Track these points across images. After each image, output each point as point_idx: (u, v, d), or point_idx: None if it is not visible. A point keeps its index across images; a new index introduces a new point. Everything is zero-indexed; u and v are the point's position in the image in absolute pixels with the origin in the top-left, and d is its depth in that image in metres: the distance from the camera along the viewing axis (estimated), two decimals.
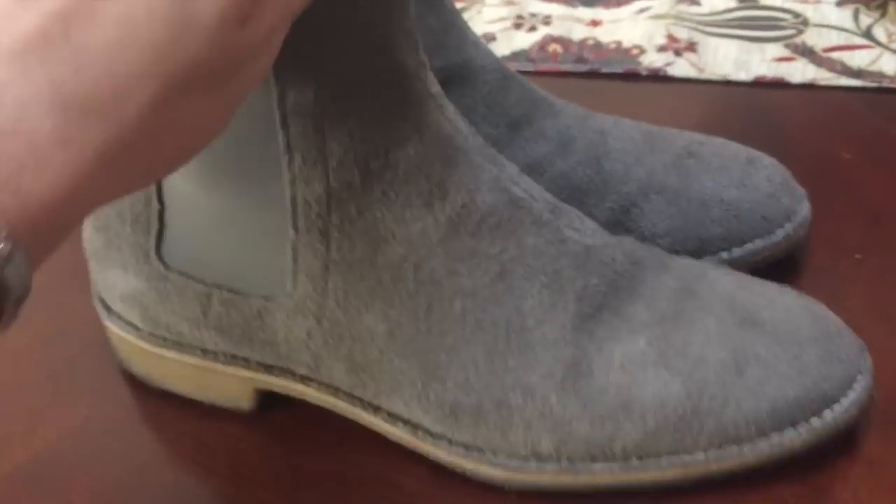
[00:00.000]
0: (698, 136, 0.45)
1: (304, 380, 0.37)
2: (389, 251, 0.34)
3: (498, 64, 0.42)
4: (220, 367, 0.38)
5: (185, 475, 0.39)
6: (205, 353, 0.39)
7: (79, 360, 0.43)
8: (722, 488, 0.35)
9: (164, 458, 0.40)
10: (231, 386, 0.39)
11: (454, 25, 0.41)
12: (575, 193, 0.42)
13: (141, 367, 0.41)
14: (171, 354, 0.39)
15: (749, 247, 0.42)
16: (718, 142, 0.45)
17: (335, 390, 0.37)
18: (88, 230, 0.39)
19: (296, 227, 0.34)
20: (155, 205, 0.37)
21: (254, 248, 0.35)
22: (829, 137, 0.51)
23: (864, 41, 0.58)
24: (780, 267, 0.43)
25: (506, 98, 0.42)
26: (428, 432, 0.36)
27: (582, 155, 0.42)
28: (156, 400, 0.41)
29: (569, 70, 0.59)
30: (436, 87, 0.34)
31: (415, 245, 0.33)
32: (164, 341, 0.39)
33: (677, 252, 0.42)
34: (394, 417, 0.36)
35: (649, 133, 0.44)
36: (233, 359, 0.38)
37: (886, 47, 0.57)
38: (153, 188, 0.36)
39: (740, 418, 0.34)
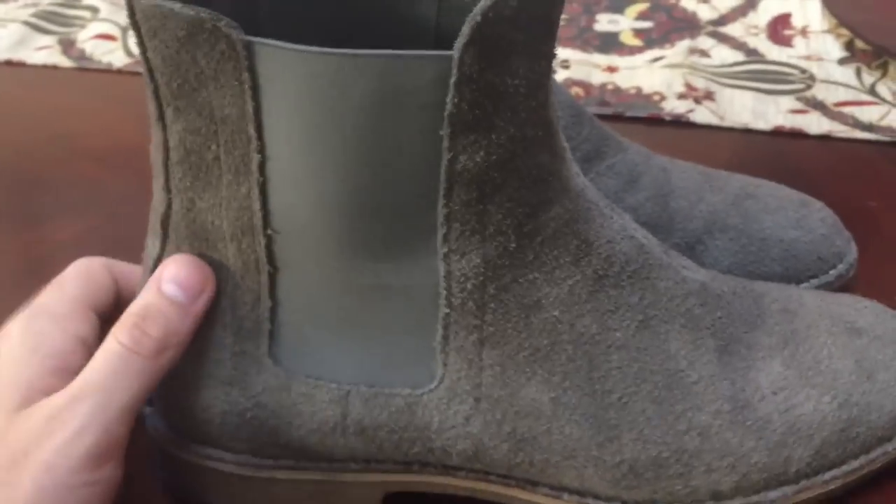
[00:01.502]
0: (751, 179, 0.47)
1: (451, 470, 0.35)
2: (543, 316, 0.32)
3: (571, 100, 0.43)
4: (349, 477, 0.35)
5: None
6: (332, 462, 0.35)
7: None
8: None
9: None
10: (358, 494, 0.35)
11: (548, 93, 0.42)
12: (644, 228, 0.43)
13: (227, 498, 0.36)
14: (284, 475, 0.35)
15: (805, 286, 0.43)
16: (771, 184, 0.46)
17: (486, 475, 0.35)
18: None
19: (450, 304, 0.32)
20: (266, 303, 0.33)
21: (395, 335, 0.33)
22: (852, 186, 0.54)
23: (870, 98, 0.61)
24: None
25: (578, 133, 0.43)
26: (600, 496, 0.34)
27: (649, 191, 0.43)
28: None
29: (593, 112, 0.60)
30: (565, 142, 0.33)
31: (566, 305, 0.33)
32: (275, 461, 0.35)
33: None
34: (559, 489, 0.35)
35: (706, 173, 0.46)
36: (366, 464, 0.35)
37: (893, 104, 0.60)
38: (264, 283, 0.33)
39: (885, 420, 0.35)
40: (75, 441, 0.30)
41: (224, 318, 0.33)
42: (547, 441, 0.33)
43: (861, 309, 0.38)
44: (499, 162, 0.30)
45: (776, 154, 0.57)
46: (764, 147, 0.58)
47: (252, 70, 0.29)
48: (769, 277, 0.43)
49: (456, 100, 0.28)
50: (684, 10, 0.72)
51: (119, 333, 0.32)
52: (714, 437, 0.34)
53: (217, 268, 0.33)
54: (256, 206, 0.31)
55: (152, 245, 0.34)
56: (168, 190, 0.33)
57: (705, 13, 0.71)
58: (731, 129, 0.59)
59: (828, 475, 0.35)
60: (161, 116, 0.31)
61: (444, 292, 0.32)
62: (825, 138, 0.58)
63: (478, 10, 0.27)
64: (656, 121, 0.60)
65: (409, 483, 0.35)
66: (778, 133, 0.59)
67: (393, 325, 0.33)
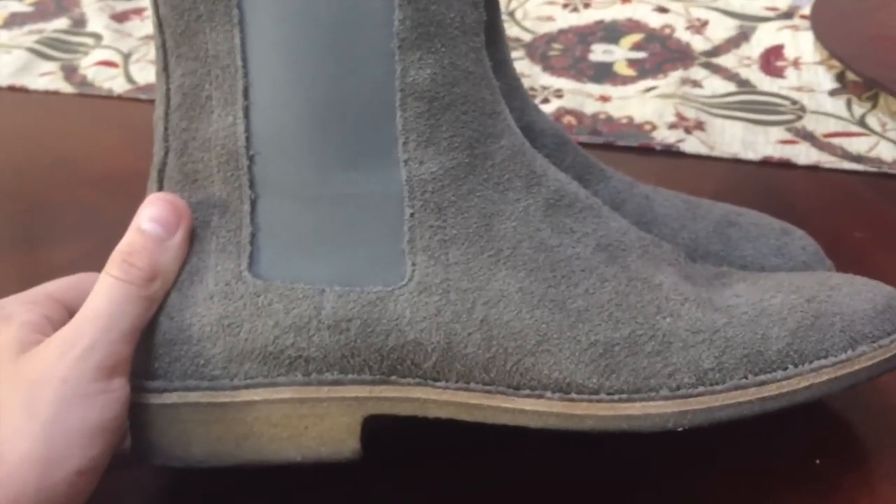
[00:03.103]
0: (733, 207, 0.47)
1: (428, 379, 0.36)
2: (503, 225, 0.36)
3: (555, 128, 0.44)
4: (324, 391, 0.36)
5: None
6: (307, 374, 0.36)
7: None
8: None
9: None
10: (336, 420, 0.36)
11: (518, 90, 0.43)
12: None
13: (209, 438, 0.36)
14: (260, 395, 0.36)
15: None
16: (753, 213, 0.47)
17: (466, 382, 0.36)
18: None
19: (413, 206, 0.35)
20: (247, 229, 0.36)
21: (365, 241, 0.36)
22: (838, 216, 0.54)
23: (860, 129, 0.62)
24: None
25: (562, 161, 0.44)
26: (583, 389, 0.35)
27: (632, 219, 0.44)
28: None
29: (585, 141, 0.61)
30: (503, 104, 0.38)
31: (522, 220, 0.36)
32: (251, 380, 0.36)
33: None
34: (541, 387, 0.35)
35: (688, 201, 0.47)
36: (342, 374, 0.36)
37: (882, 136, 0.61)
38: (245, 211, 0.36)
39: (861, 317, 0.36)
40: (86, 356, 0.34)
41: (208, 246, 0.37)
42: (518, 326, 0.35)
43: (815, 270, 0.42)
44: (444, 83, 0.35)
45: (764, 184, 0.58)
46: (752, 177, 0.58)
47: (240, 5, 0.35)
48: None
49: (401, 17, 0.34)
50: (678, 41, 0.73)
51: (110, 269, 0.36)
52: (685, 316, 0.35)
53: (203, 203, 0.37)
54: (240, 129, 0.36)
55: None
56: (165, 139, 0.37)
57: (699, 44, 0.72)
58: (720, 159, 0.60)
59: (815, 364, 0.35)
60: (165, 67, 0.37)
61: (407, 196, 0.35)
62: (813, 169, 0.59)
63: None
64: (647, 150, 0.61)
65: (387, 400, 0.36)
66: (766, 163, 0.59)
67: (364, 232, 0.36)
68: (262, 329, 0.36)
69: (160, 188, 0.38)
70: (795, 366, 0.35)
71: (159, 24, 0.36)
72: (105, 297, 0.35)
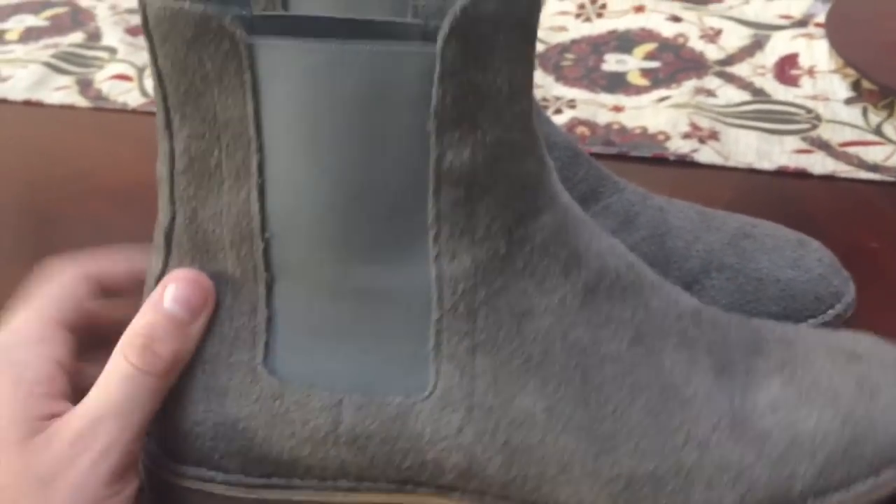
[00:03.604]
0: (748, 218, 0.47)
1: (445, 489, 0.34)
2: (535, 325, 0.32)
3: (568, 141, 0.44)
4: (339, 496, 0.35)
5: None
6: (323, 480, 0.35)
7: None
8: None
9: None
10: None
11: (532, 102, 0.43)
12: None
13: None
14: (275, 495, 0.35)
15: (803, 326, 0.44)
16: (769, 224, 0.47)
17: (481, 494, 0.34)
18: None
19: (441, 308, 0.32)
20: (263, 313, 0.34)
21: (387, 341, 0.33)
22: (854, 226, 0.54)
23: (876, 138, 0.61)
24: None
25: (576, 173, 0.43)
26: None
27: (645, 231, 0.44)
28: None
29: (598, 152, 0.61)
30: (549, 158, 0.34)
31: (558, 315, 0.33)
32: (267, 479, 0.35)
33: None
34: None
35: (703, 213, 0.46)
36: (358, 481, 0.35)
37: None
38: (261, 293, 0.33)
39: (893, 439, 0.34)
40: (101, 461, 0.32)
41: (221, 330, 0.34)
42: (541, 452, 0.33)
43: (859, 339, 0.38)
44: (485, 163, 0.31)
45: (779, 194, 0.57)
46: (767, 187, 0.58)
47: (253, 69, 0.30)
48: (766, 317, 0.43)
49: (440, 94, 0.30)
50: (692, 50, 0.72)
51: (130, 355, 0.33)
52: (713, 450, 0.33)
53: (216, 279, 0.34)
54: (255, 208, 0.32)
55: (154, 262, 0.35)
56: (172, 202, 0.34)
57: (713, 53, 0.72)
58: (734, 169, 0.59)
59: (835, 497, 0.34)
60: (168, 124, 0.33)
61: (436, 295, 0.32)
62: (829, 178, 0.58)
63: (457, 5, 0.29)
64: (660, 160, 0.60)
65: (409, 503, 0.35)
66: (781, 173, 0.59)
67: (386, 331, 0.33)
68: (278, 438, 0.34)
69: (167, 254, 0.35)
70: (815, 498, 0.34)
71: (158, 76, 0.32)
72: (123, 388, 0.33)
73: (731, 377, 0.35)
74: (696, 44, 0.73)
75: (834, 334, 0.39)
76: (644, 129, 0.63)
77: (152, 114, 0.68)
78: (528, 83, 0.32)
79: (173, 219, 0.34)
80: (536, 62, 0.72)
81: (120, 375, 0.33)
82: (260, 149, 0.32)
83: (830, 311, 0.44)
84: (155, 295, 0.34)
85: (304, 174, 0.31)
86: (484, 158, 0.31)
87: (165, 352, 0.33)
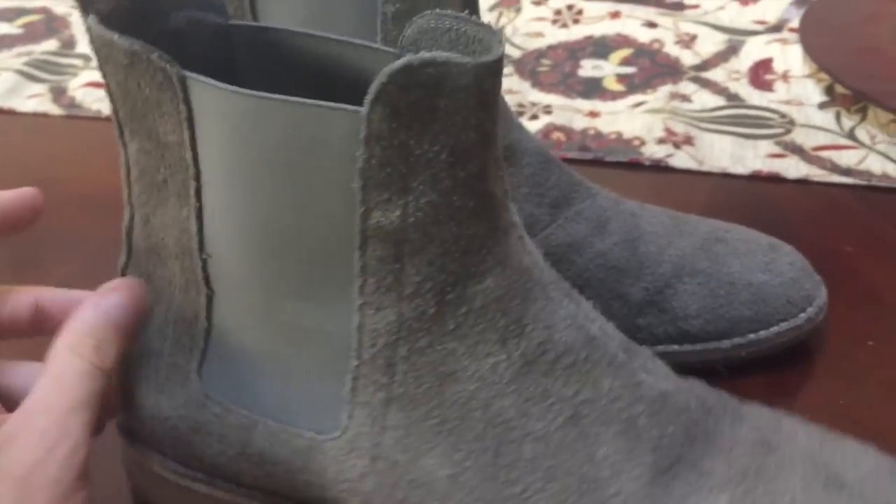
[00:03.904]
0: (720, 223, 0.47)
1: None
2: (458, 388, 0.31)
3: (539, 147, 0.44)
4: None
5: None
6: (239, 486, 0.36)
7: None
8: None
9: None
10: None
11: (501, 108, 0.43)
12: (612, 273, 0.43)
13: (163, 500, 0.38)
14: (200, 488, 0.36)
15: (775, 329, 0.44)
16: (741, 228, 0.47)
17: None
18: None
19: (360, 357, 0.32)
20: (202, 323, 0.34)
21: (309, 376, 0.33)
22: (828, 230, 0.54)
23: (849, 142, 0.62)
24: (800, 353, 0.45)
25: (547, 179, 0.43)
26: None
27: (618, 236, 0.44)
28: None
29: (574, 157, 0.61)
30: (516, 217, 0.32)
31: (485, 382, 0.31)
32: (193, 472, 0.36)
33: (708, 333, 0.44)
34: None
35: (675, 217, 0.46)
36: (270, 497, 0.35)
37: (871, 148, 0.61)
38: (202, 304, 0.34)
39: None
40: (73, 454, 0.32)
41: (167, 330, 0.35)
42: None
43: (861, 460, 0.33)
44: (418, 225, 0.30)
45: (753, 198, 0.57)
46: (741, 191, 0.58)
47: (187, 102, 0.30)
48: (738, 321, 0.43)
49: (366, 156, 0.28)
50: (667, 56, 0.73)
51: (87, 354, 0.34)
52: None
53: (166, 283, 0.35)
54: (193, 229, 0.33)
55: (123, 255, 0.37)
56: (130, 204, 0.35)
57: (688, 59, 0.72)
58: (709, 174, 0.60)
59: None
60: (121, 135, 0.33)
61: (356, 344, 0.31)
62: (802, 182, 0.58)
63: (386, 70, 0.27)
64: (636, 165, 0.60)
65: None
66: (756, 177, 0.59)
67: (308, 366, 0.33)
68: (200, 443, 0.35)
69: (129, 249, 0.36)
70: None
71: (109, 93, 0.32)
72: (84, 385, 0.33)
73: (673, 478, 0.31)
74: (672, 49, 0.73)
75: (837, 445, 0.34)
76: (619, 135, 0.63)
77: None
78: (482, 147, 0.30)
79: (132, 219, 0.35)
80: (513, 68, 0.72)
81: (77, 372, 0.33)
82: (197, 176, 0.31)
83: (802, 315, 0.44)
84: (99, 298, 0.35)
85: (236, 210, 0.31)
86: (416, 220, 0.30)
87: (115, 352, 0.34)
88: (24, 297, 0.39)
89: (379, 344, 0.31)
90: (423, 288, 0.30)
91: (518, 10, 0.80)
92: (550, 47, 0.75)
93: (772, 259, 0.45)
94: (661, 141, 0.62)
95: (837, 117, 0.64)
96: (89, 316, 0.35)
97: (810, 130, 0.63)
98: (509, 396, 0.31)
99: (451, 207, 0.30)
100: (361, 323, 0.31)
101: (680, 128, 0.64)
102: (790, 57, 0.71)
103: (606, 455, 0.31)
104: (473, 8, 0.40)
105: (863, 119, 0.64)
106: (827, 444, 0.34)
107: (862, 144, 0.61)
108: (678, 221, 0.46)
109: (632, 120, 0.65)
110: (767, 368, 0.45)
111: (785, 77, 0.69)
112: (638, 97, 0.68)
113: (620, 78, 0.70)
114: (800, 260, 0.46)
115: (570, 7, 0.80)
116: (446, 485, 0.31)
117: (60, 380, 0.33)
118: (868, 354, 0.46)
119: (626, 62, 0.72)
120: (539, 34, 0.77)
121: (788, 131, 0.63)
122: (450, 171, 0.29)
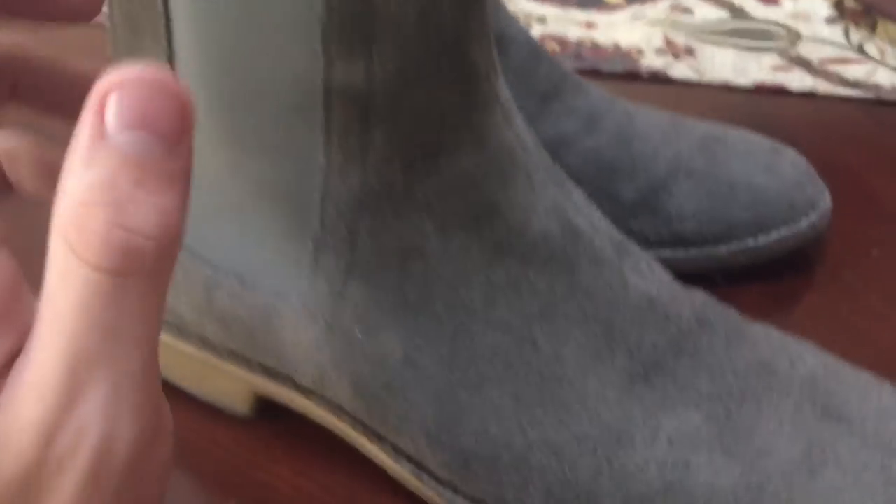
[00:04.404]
0: (721, 125, 0.44)
1: (307, 393, 0.33)
2: (422, 265, 0.29)
3: (529, 38, 0.41)
4: (218, 361, 0.35)
5: None
6: (204, 343, 0.35)
7: None
8: None
9: None
10: (228, 385, 0.35)
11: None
12: (603, 171, 0.41)
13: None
14: (169, 339, 0.35)
15: (775, 234, 0.41)
16: (742, 132, 0.44)
17: (338, 409, 0.32)
18: None
19: (322, 223, 0.29)
20: None
21: (274, 238, 0.31)
22: (833, 143, 0.52)
23: (857, 55, 0.59)
24: (801, 261, 0.43)
25: (536, 71, 0.41)
26: (433, 476, 0.31)
27: (611, 134, 0.41)
28: None
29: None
30: (505, 94, 0.30)
31: (452, 264, 0.29)
32: (163, 324, 0.34)
33: (704, 237, 0.41)
34: (399, 453, 0.31)
35: (673, 118, 0.44)
36: (232, 355, 0.34)
37: (880, 62, 0.58)
38: None
39: None
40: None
41: None
42: (386, 399, 0.30)
43: (870, 395, 0.30)
44: (385, 91, 0.27)
45: (756, 111, 0.55)
46: (743, 104, 0.55)
47: None
48: (737, 225, 0.41)
49: (328, 10, 0.26)
50: None
51: (101, 259, 0.19)
52: (565, 462, 0.28)
53: None
54: None
55: None
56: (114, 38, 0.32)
57: None
58: (709, 86, 0.57)
59: None
60: None
61: (319, 209, 0.29)
62: (808, 96, 0.56)
63: None
64: (633, 76, 0.58)
65: (272, 392, 0.34)
66: (759, 91, 0.56)
67: (273, 225, 0.31)
68: (172, 293, 0.33)
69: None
70: None
71: None
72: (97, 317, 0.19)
73: (648, 388, 0.29)
74: None
75: (843, 375, 0.31)
76: (617, 46, 0.60)
77: None
78: (462, 9, 0.27)
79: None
80: None
81: (83, 298, 0.19)
82: (167, 23, 0.29)
83: (804, 220, 0.42)
84: (90, 129, 0.19)
85: (200, 59, 0.29)
86: (383, 86, 0.27)
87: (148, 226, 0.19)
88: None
89: (341, 210, 0.29)
90: (390, 156, 0.28)
91: None
92: None
93: (773, 161, 0.42)
94: (660, 52, 0.59)
95: (846, 32, 0.61)
96: (87, 165, 0.19)
97: (817, 44, 0.60)
98: (476, 281, 0.29)
99: (421, 75, 0.27)
100: (325, 187, 0.29)
101: (680, 39, 0.61)
102: None
103: (573, 354, 0.29)
104: None
105: (872, 33, 0.61)
106: (835, 374, 0.31)
107: (871, 58, 0.58)
108: (676, 122, 0.43)
109: (630, 31, 0.62)
110: (765, 278, 0.43)
111: None
112: (636, 9, 0.64)
113: None
114: (803, 163, 0.43)
115: None
116: (399, 365, 0.30)
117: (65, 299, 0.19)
118: (871, 265, 0.44)
119: None
120: None
121: (794, 44, 0.60)
122: (418, 35, 0.27)
